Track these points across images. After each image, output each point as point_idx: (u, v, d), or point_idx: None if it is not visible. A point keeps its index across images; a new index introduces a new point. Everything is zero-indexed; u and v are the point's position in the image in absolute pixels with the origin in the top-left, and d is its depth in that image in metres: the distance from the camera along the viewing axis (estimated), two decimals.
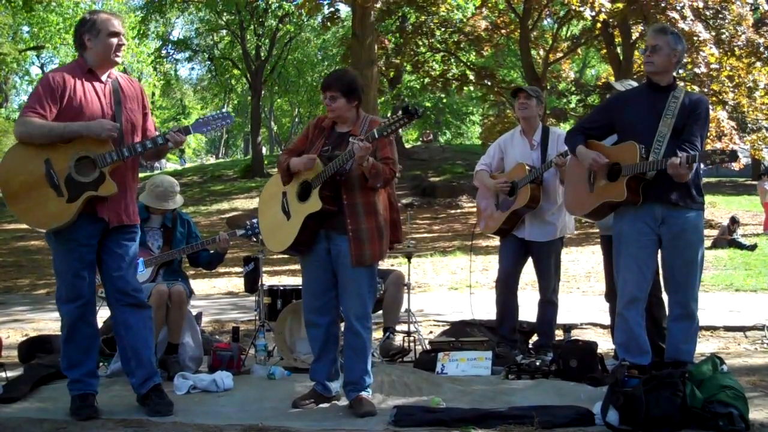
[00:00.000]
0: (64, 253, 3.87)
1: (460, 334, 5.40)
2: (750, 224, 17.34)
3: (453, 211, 21.72)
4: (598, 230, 5.15)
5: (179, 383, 4.47)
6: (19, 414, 3.88)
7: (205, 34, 33.78)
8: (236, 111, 39.10)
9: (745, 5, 15.84)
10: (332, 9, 15.60)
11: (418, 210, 20.95)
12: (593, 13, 14.12)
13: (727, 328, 6.38)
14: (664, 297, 4.40)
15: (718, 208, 19.58)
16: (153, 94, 37.81)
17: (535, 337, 5.53)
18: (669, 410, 3.39)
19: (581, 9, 14.14)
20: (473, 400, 4.05)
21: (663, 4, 14.13)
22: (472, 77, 20.78)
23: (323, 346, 4.09)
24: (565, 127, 10.78)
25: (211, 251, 5.39)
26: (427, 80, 21.00)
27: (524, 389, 4.31)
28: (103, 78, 3.92)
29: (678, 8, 13.96)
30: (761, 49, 16.01)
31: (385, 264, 5.92)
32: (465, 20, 20.25)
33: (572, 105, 21.71)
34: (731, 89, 16.35)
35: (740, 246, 13.59)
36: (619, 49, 18.30)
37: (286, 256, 5.27)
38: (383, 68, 19.23)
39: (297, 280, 7.15)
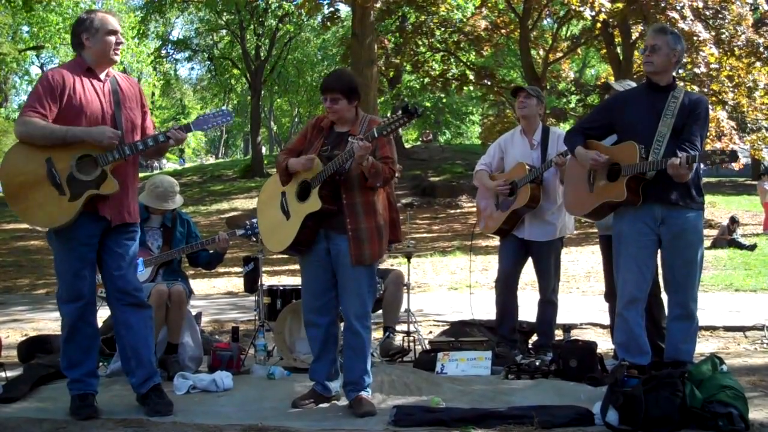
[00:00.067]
0: (65, 253, 3.87)
1: (460, 334, 5.41)
2: (750, 224, 17.35)
3: (453, 211, 21.73)
4: (597, 230, 5.14)
5: (179, 383, 4.47)
6: (19, 414, 3.88)
7: (205, 34, 33.79)
8: (236, 111, 39.08)
9: (745, 5, 15.84)
10: (332, 9, 15.62)
11: (417, 210, 20.95)
12: (593, 13, 14.12)
13: (727, 328, 6.38)
14: (664, 297, 4.41)
15: (717, 208, 19.59)
16: (153, 94, 37.89)
17: (534, 337, 5.53)
18: (668, 410, 3.39)
19: (581, 9, 14.13)
20: (473, 400, 4.05)
21: (663, 4, 14.12)
22: (471, 77, 20.77)
23: (323, 346, 4.09)
24: (564, 127, 10.77)
25: (211, 251, 5.39)
26: (426, 80, 21.00)
27: (524, 389, 4.31)
28: (102, 76, 3.92)
29: (678, 8, 13.95)
30: (761, 49, 16.00)
31: (385, 264, 5.92)
32: (465, 20, 20.25)
33: (572, 105, 21.69)
34: (731, 89, 16.34)
35: (740, 246, 13.59)
36: (618, 49, 18.29)
37: (285, 256, 5.26)
38: (383, 68, 19.23)
39: (296, 280, 7.14)
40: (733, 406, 3.38)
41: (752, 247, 13.42)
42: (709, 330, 6.30)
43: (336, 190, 3.93)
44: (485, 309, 6.19)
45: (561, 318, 5.51)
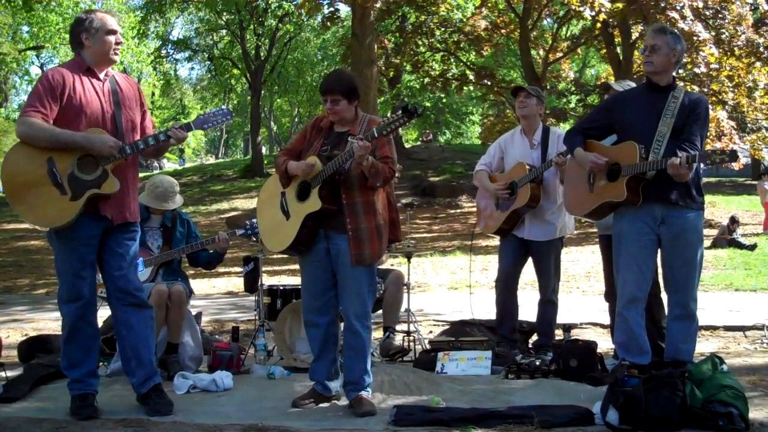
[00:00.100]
0: (66, 253, 3.88)
1: (460, 334, 5.41)
2: (750, 224, 17.35)
3: (453, 211, 21.73)
4: (597, 230, 5.14)
5: (179, 383, 4.47)
6: (19, 414, 3.88)
7: (205, 34, 33.80)
8: (236, 111, 39.10)
9: (745, 5, 15.84)
10: (332, 9, 15.59)
11: (417, 210, 20.96)
12: (593, 13, 14.13)
13: (727, 328, 6.37)
14: (664, 297, 4.41)
15: (717, 208, 19.60)
16: (153, 94, 37.87)
17: (534, 337, 5.53)
18: (669, 410, 3.39)
19: (581, 9, 14.13)
20: (473, 400, 4.05)
21: (663, 4, 14.12)
22: (471, 77, 20.78)
23: (323, 345, 4.09)
24: (564, 127, 10.77)
25: (211, 251, 5.40)
26: (426, 80, 21.01)
27: (524, 389, 4.31)
28: (102, 76, 3.92)
29: (678, 8, 13.96)
30: (761, 49, 16.01)
31: (385, 264, 5.92)
32: (465, 20, 20.26)
33: (572, 105, 21.70)
34: (731, 89, 16.35)
35: (740, 246, 13.59)
36: (618, 49, 18.30)
37: (285, 256, 5.26)
38: (383, 68, 19.23)
39: (296, 280, 7.14)
40: (734, 406, 3.38)
41: (752, 247, 13.42)
42: (709, 330, 6.30)
43: (336, 190, 3.93)
44: (485, 309, 6.19)
45: (561, 318, 5.51)
